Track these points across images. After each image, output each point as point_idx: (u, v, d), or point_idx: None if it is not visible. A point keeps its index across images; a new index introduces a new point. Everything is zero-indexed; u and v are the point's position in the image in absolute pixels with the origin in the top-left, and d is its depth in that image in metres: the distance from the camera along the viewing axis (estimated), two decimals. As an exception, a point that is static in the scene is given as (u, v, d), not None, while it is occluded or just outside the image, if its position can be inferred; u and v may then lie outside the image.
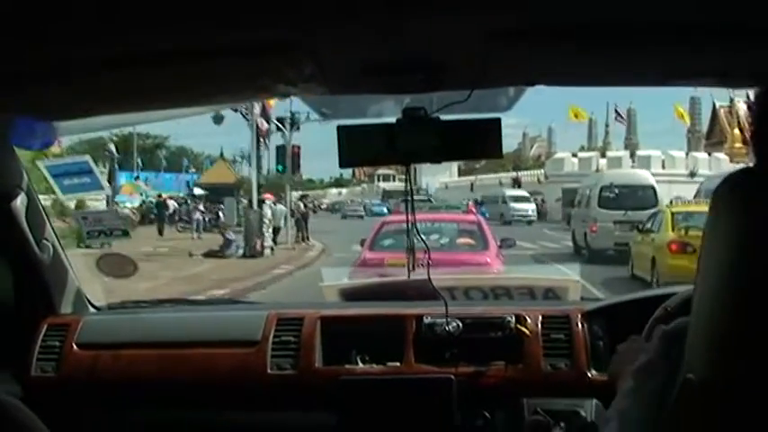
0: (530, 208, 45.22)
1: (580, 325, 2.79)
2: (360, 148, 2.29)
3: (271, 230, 25.55)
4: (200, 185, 43.57)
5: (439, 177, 66.41)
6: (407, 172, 2.50)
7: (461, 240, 10.73)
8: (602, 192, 23.85)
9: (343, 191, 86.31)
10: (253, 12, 1.50)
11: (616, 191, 23.73)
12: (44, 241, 2.97)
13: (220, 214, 34.78)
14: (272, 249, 24.88)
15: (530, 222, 41.71)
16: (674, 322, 1.37)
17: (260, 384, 2.82)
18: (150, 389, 2.86)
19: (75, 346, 2.90)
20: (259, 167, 31.94)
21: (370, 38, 1.70)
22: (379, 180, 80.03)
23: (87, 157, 3.91)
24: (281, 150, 27.75)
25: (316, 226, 32.38)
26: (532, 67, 2.00)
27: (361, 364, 2.82)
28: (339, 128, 2.25)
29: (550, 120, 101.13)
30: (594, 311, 2.87)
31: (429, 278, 2.75)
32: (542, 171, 62.23)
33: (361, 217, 50.29)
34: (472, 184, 63.86)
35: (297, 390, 2.80)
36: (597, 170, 55.20)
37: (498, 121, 2.25)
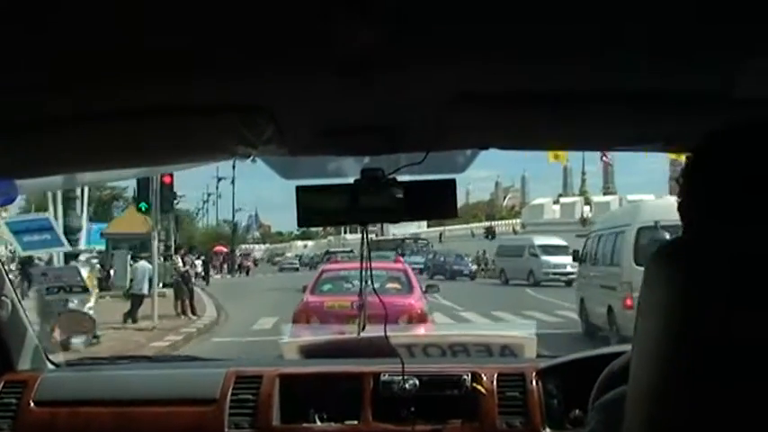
0: (567, 262, 28.67)
1: (534, 383, 2.83)
2: (318, 208, 2.32)
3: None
4: (109, 236, 35.92)
5: (408, 228, 64.43)
6: (364, 231, 2.54)
7: (390, 285, 11.79)
8: (640, 237, 13.71)
9: (309, 243, 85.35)
10: (213, 73, 1.53)
11: (666, 235, 11.59)
12: (2, 298, 2.96)
13: (112, 273, 28.69)
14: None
15: (569, 283, 26.52)
16: (610, 392, 1.41)
17: None
18: None
19: (32, 404, 2.87)
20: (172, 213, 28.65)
21: (331, 101, 1.75)
22: (345, 232, 77.78)
23: (48, 215, 3.92)
24: (142, 183, 19.93)
25: (236, 286, 32.28)
26: (489, 131, 2.07)
27: (319, 423, 2.83)
28: (298, 188, 2.29)
29: (522, 170, 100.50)
30: (549, 369, 2.91)
31: (386, 335, 2.78)
32: (518, 220, 58.88)
33: (297, 269, 51.69)
34: (441, 235, 62.46)
35: None
36: (583, 217, 50.92)
37: (453, 182, 2.31)
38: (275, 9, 1.24)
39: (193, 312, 21.00)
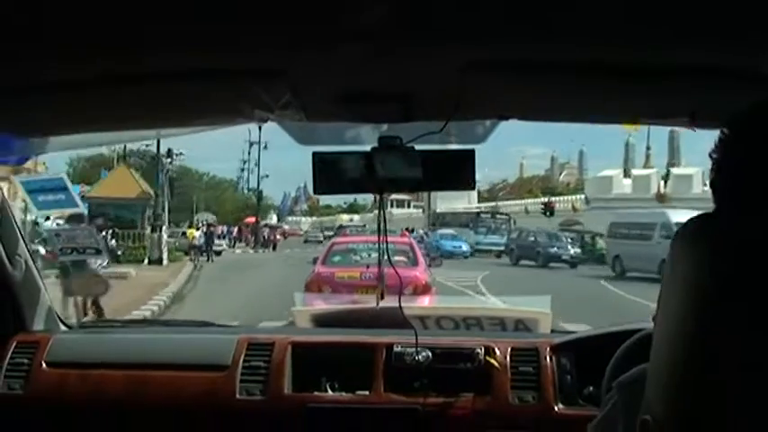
0: None
1: (548, 358, 2.81)
2: (334, 176, 2.30)
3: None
4: (92, 200, 28.43)
5: (456, 203, 59.78)
6: (381, 200, 2.51)
7: (396, 258, 12.12)
8: None
9: (356, 216, 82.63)
10: (231, 38, 1.52)
11: None
12: (17, 257, 2.95)
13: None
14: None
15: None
16: (631, 371, 1.38)
17: (228, 409, 2.80)
18: (117, 410, 2.83)
19: (43, 365, 2.88)
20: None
21: (347, 68, 1.73)
22: (392, 206, 75.42)
23: (63, 175, 3.90)
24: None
25: (243, 264, 28.42)
26: (505, 100, 2.04)
27: (330, 392, 2.82)
28: (314, 154, 2.27)
29: (581, 144, 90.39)
30: (563, 345, 2.89)
31: (400, 306, 2.76)
32: (579, 196, 51.27)
33: (320, 241, 50.31)
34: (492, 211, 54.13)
35: (265, 416, 2.79)
36: (660, 192, 43.81)
37: (472, 152, 2.28)
38: None
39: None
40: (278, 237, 52.71)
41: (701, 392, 1.02)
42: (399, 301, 2.78)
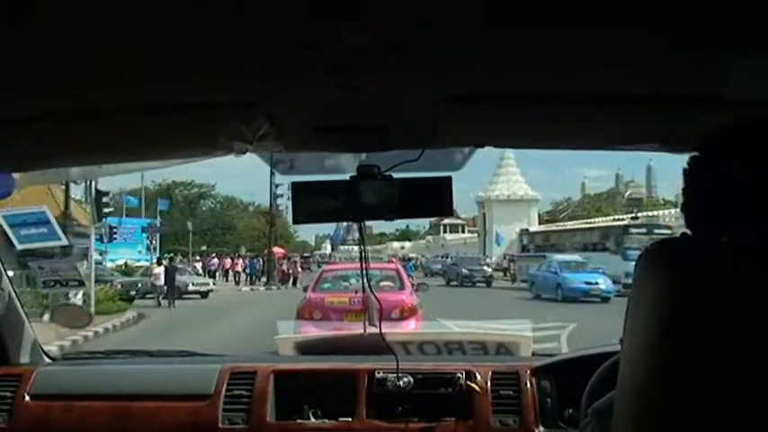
0: None
1: (529, 382, 2.84)
2: (314, 205, 2.33)
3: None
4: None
5: (515, 226, 51.90)
6: (360, 228, 2.54)
7: (384, 283, 12.97)
8: None
9: (407, 243, 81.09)
10: (210, 71, 1.55)
11: None
12: (0, 291, 2.96)
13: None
14: None
15: None
16: (605, 396, 1.41)
17: None
18: None
19: (27, 397, 2.88)
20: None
21: (323, 99, 1.76)
22: (446, 231, 73.12)
23: (45, 208, 3.91)
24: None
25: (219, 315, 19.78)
26: (480, 129, 2.07)
27: (313, 419, 2.83)
28: (293, 184, 2.30)
29: (648, 160, 79.95)
30: (543, 368, 2.91)
31: (381, 333, 2.79)
32: (670, 210, 42.53)
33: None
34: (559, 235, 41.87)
35: None
36: None
37: (449, 179, 2.31)
38: (271, 10, 1.25)
39: None
40: (298, 269, 41.78)
41: (663, 421, 1.04)
42: (380, 327, 2.81)
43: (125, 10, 1.23)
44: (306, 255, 62.69)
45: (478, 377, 2.85)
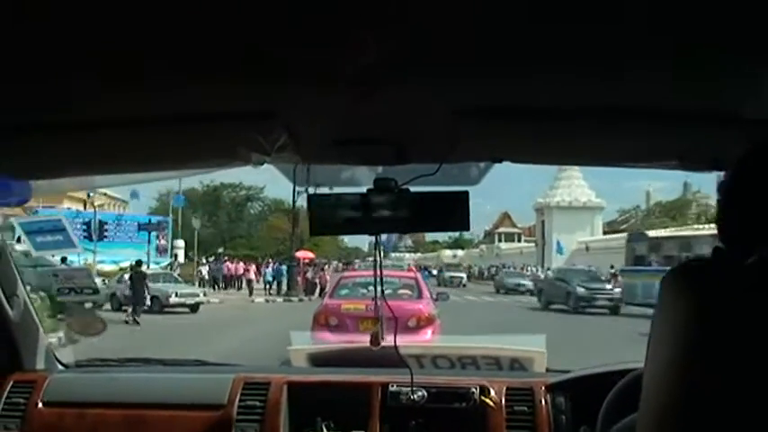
0: None
1: (543, 398, 2.82)
2: (331, 217, 2.33)
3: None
4: None
5: (577, 235, 51.23)
6: (376, 240, 2.54)
7: (402, 291, 13.00)
8: None
9: (460, 252, 77.58)
10: (229, 82, 1.56)
11: None
12: (15, 297, 2.97)
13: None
14: None
15: None
16: (624, 420, 1.39)
17: None
18: None
19: (40, 404, 2.89)
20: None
21: (340, 112, 1.77)
22: (500, 240, 70.97)
23: (61, 216, 3.93)
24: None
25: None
26: (497, 143, 2.08)
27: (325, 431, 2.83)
28: (310, 196, 2.31)
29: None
30: (558, 384, 2.89)
31: (396, 346, 2.78)
32: None
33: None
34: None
35: None
36: None
37: (466, 194, 2.31)
38: (290, 21, 1.25)
39: None
40: (327, 277, 36.18)
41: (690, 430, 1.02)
42: (395, 340, 2.80)
43: (144, 21, 1.23)
44: (346, 262, 58.00)
45: (493, 392, 2.84)
